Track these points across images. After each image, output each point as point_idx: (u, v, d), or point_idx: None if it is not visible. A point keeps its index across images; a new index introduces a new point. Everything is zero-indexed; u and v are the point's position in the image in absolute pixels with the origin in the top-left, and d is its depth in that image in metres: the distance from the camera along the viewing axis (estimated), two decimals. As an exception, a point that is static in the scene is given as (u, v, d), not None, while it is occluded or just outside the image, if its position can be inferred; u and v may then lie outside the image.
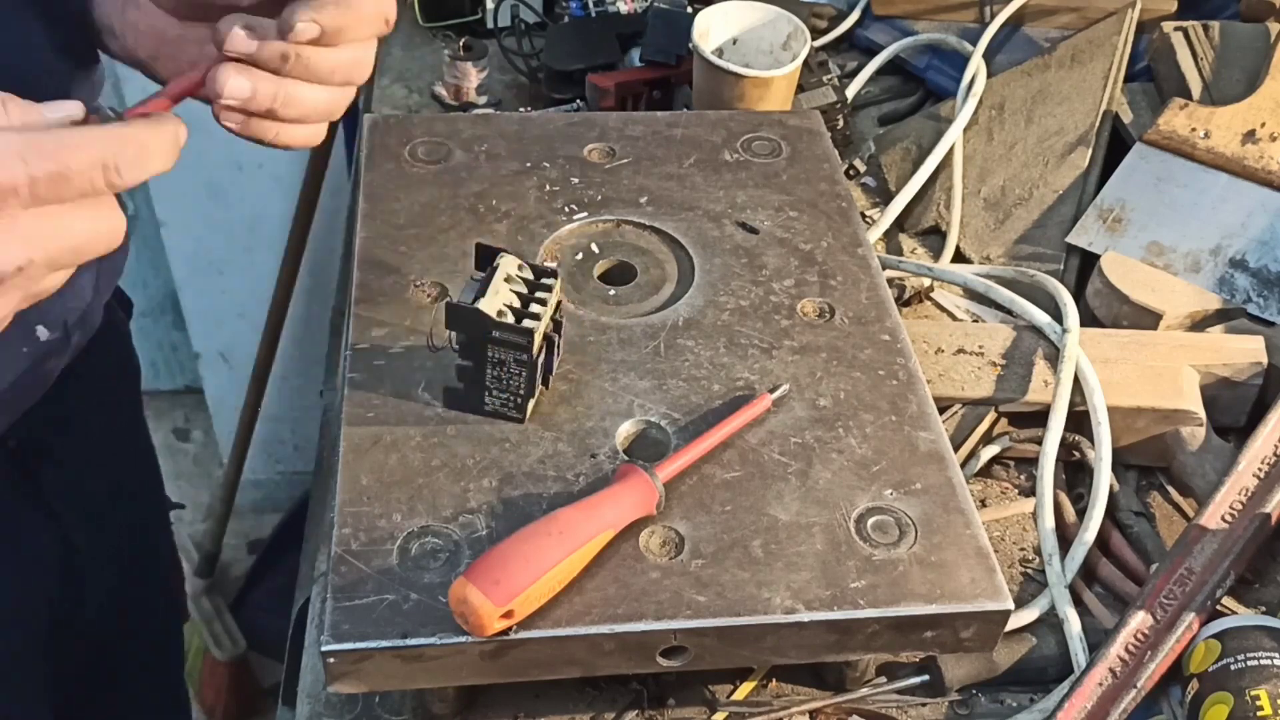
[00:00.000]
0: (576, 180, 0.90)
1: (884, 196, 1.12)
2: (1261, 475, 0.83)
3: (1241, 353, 0.91)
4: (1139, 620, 0.76)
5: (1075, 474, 0.89)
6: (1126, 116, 1.14)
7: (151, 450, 1.14)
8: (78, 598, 0.98)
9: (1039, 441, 0.87)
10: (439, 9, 1.30)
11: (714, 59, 1.05)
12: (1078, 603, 0.80)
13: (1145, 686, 0.74)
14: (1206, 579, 0.78)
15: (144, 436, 1.13)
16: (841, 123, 1.16)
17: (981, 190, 1.10)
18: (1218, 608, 0.78)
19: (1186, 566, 0.78)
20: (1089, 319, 0.97)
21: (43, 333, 0.81)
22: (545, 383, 0.73)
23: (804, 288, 0.83)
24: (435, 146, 0.91)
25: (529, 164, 0.91)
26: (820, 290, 0.83)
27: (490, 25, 1.29)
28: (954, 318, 1.00)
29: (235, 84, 0.61)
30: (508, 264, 0.71)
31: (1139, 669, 0.74)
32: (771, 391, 0.75)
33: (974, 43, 1.20)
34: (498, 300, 0.70)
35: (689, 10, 1.17)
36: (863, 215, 1.08)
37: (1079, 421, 0.88)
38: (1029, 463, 0.89)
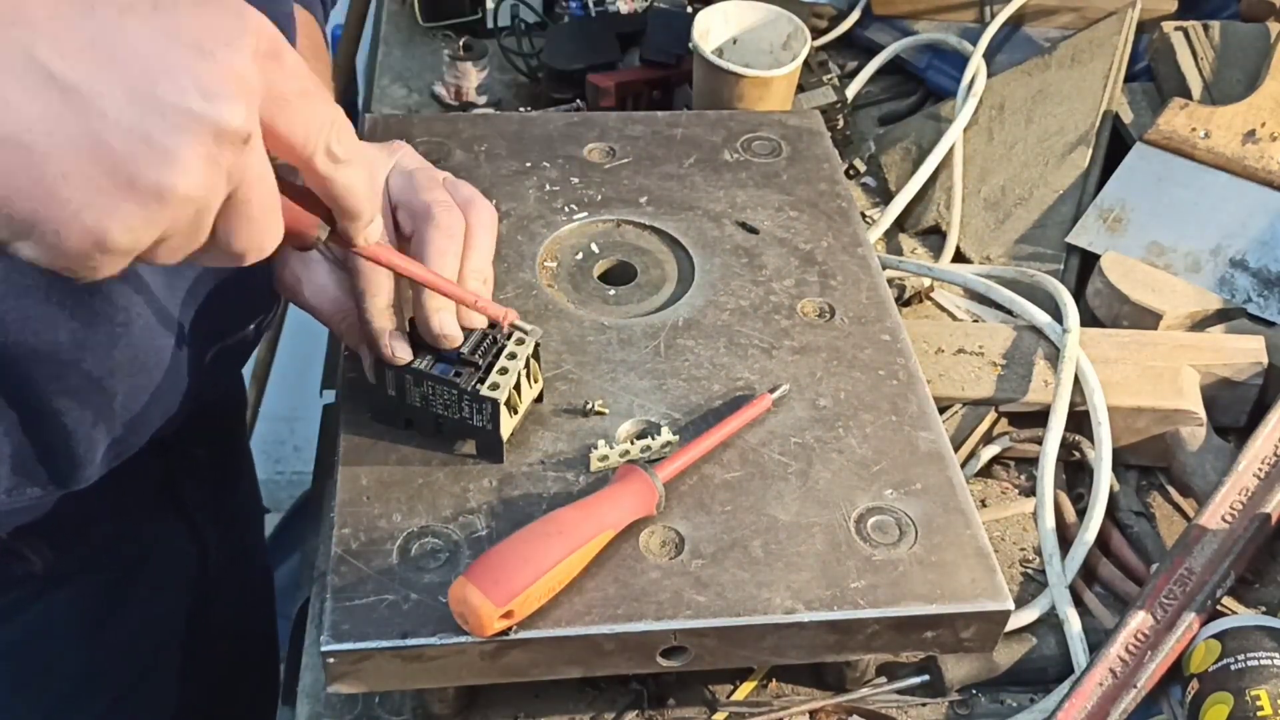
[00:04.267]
0: (576, 180, 0.90)
1: (884, 196, 1.12)
2: (1261, 475, 0.83)
3: (1241, 353, 0.91)
4: (1139, 620, 0.76)
5: (1075, 474, 0.89)
6: (1126, 116, 1.14)
7: (250, 454, 1.13)
8: (208, 610, 0.98)
9: (1039, 441, 0.87)
10: (439, 9, 1.30)
11: (714, 59, 1.05)
12: (1078, 603, 0.80)
13: (1145, 686, 0.74)
14: (1206, 579, 0.78)
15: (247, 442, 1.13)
16: (841, 123, 1.16)
17: (981, 190, 1.10)
18: (1218, 608, 0.78)
19: (1186, 566, 0.78)
20: (1089, 319, 0.97)
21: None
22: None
23: (804, 288, 0.83)
24: (435, 146, 0.91)
25: (529, 164, 0.91)
26: (820, 290, 0.83)
27: (490, 25, 1.29)
28: (954, 318, 1.00)
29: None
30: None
31: (1139, 669, 0.74)
32: (771, 391, 0.75)
33: (974, 43, 1.20)
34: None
35: (689, 10, 1.17)
36: (863, 215, 1.08)
37: (1079, 421, 0.88)
38: (1029, 463, 0.89)
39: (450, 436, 0.71)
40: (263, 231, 0.52)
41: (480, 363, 0.69)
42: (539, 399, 0.74)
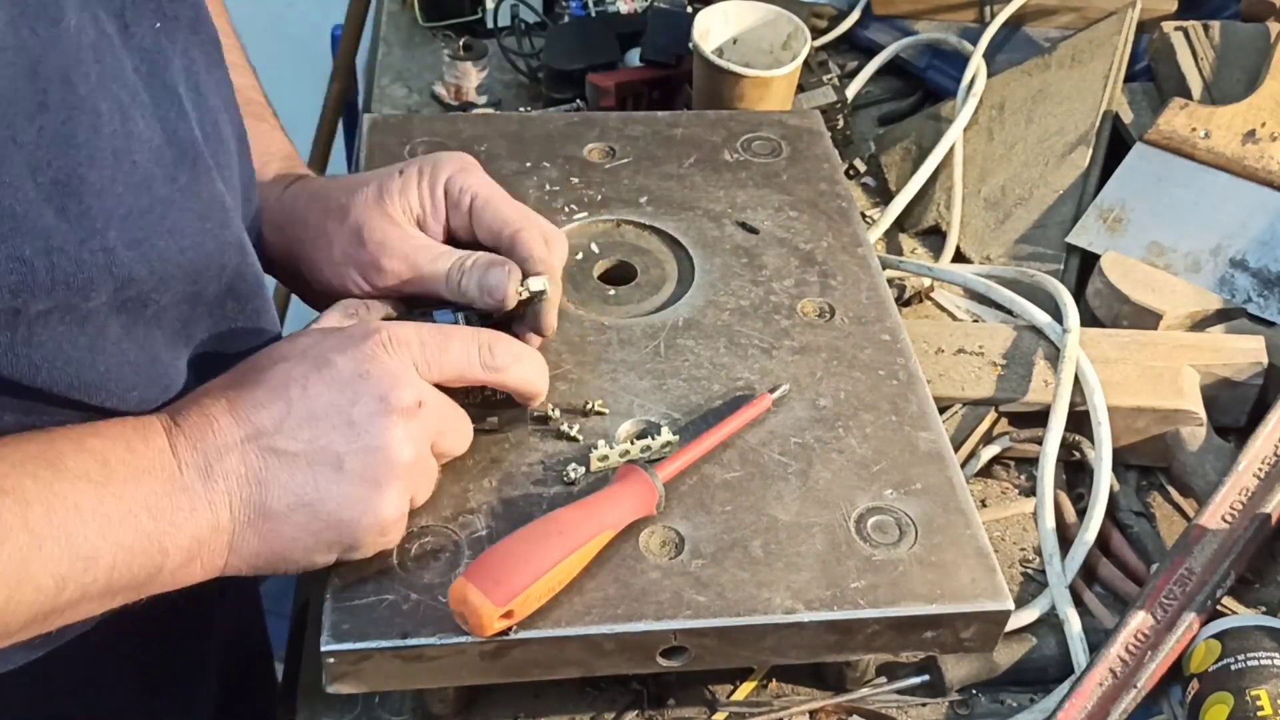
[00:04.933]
0: (576, 180, 0.90)
1: (884, 196, 1.12)
2: (1261, 475, 0.83)
3: (1241, 353, 0.91)
4: (1139, 620, 0.76)
5: (1075, 474, 0.89)
6: (1126, 116, 1.13)
7: None
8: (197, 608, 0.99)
9: (1039, 441, 0.87)
10: (439, 9, 1.30)
11: (714, 59, 1.05)
12: (1078, 603, 0.80)
13: (1145, 686, 0.74)
14: (1206, 579, 0.78)
15: None
16: (841, 123, 1.16)
17: (981, 190, 1.10)
18: (1218, 608, 0.78)
19: (1186, 566, 0.78)
20: (1089, 319, 0.97)
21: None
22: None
23: (804, 288, 0.83)
24: (435, 146, 0.91)
25: (529, 164, 0.91)
26: (820, 290, 0.83)
27: (490, 25, 1.29)
28: (954, 318, 1.00)
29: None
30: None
31: (1139, 669, 0.74)
32: (771, 391, 0.75)
33: (974, 43, 1.20)
34: None
35: (689, 10, 1.17)
36: (863, 215, 1.08)
37: (1079, 421, 0.88)
38: (1029, 463, 0.89)
39: (474, 420, 0.71)
40: (462, 439, 0.68)
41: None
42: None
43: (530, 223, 0.75)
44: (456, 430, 0.68)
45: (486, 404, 0.72)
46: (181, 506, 0.60)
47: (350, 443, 0.62)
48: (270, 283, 0.75)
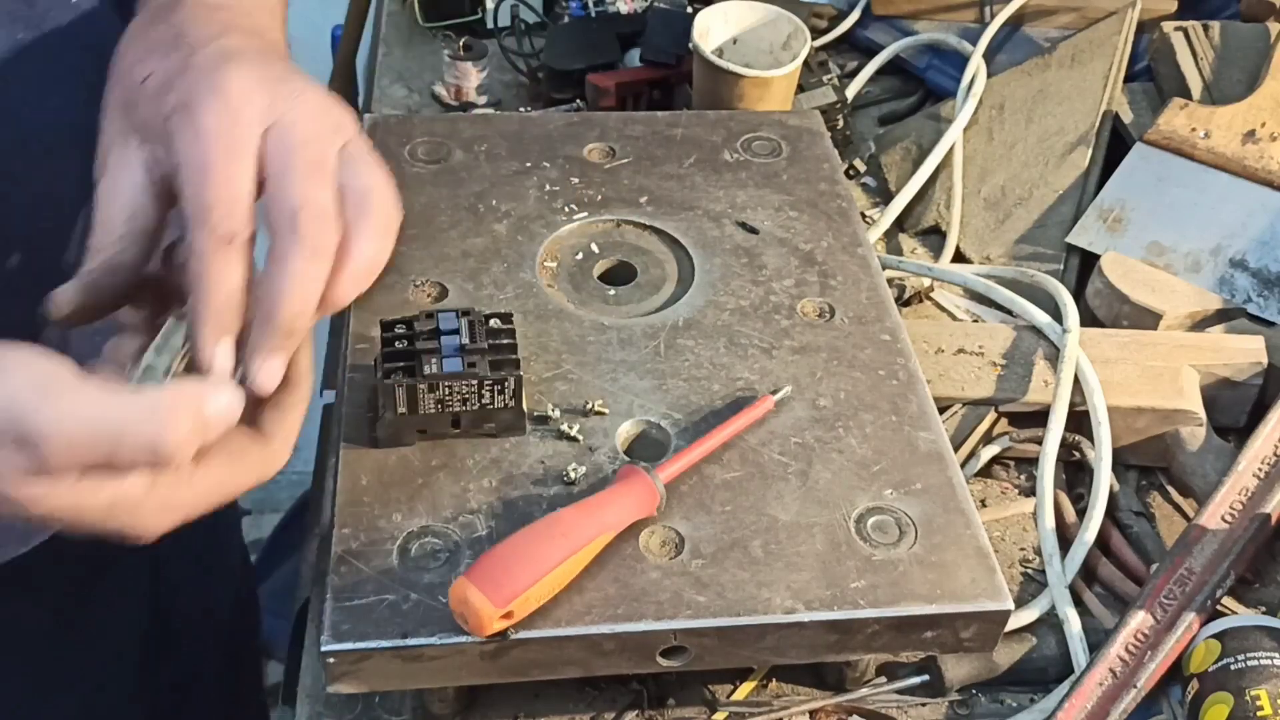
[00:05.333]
0: (576, 180, 0.90)
1: (884, 196, 1.12)
2: (1261, 475, 0.83)
3: (1241, 353, 0.91)
4: (1139, 620, 0.76)
5: (1075, 474, 0.89)
6: (1126, 116, 1.13)
7: None
8: (167, 607, 0.98)
9: (1039, 441, 0.87)
10: (439, 9, 1.30)
11: (714, 59, 1.05)
12: (1078, 603, 0.80)
13: (1145, 686, 0.74)
14: (1206, 579, 0.78)
15: None
16: (841, 123, 1.16)
17: (981, 190, 1.10)
18: (1218, 608, 0.78)
19: (1186, 566, 0.78)
20: (1089, 319, 0.97)
21: None
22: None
23: (804, 288, 0.83)
24: (435, 146, 0.91)
25: (529, 164, 0.91)
26: (820, 290, 0.83)
27: (490, 25, 1.28)
28: (954, 318, 1.00)
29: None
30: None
31: (1139, 669, 0.74)
32: (774, 393, 0.75)
33: (974, 43, 1.20)
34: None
35: (689, 10, 1.16)
36: (863, 215, 1.08)
37: (1079, 421, 0.88)
38: (1029, 463, 0.89)
39: (469, 428, 0.71)
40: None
41: (485, 345, 0.70)
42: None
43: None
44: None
45: (482, 413, 0.71)
46: None
47: None
48: None
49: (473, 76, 1.20)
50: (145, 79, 0.56)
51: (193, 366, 0.54)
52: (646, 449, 0.73)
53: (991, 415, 0.89)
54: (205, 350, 0.52)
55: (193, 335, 0.53)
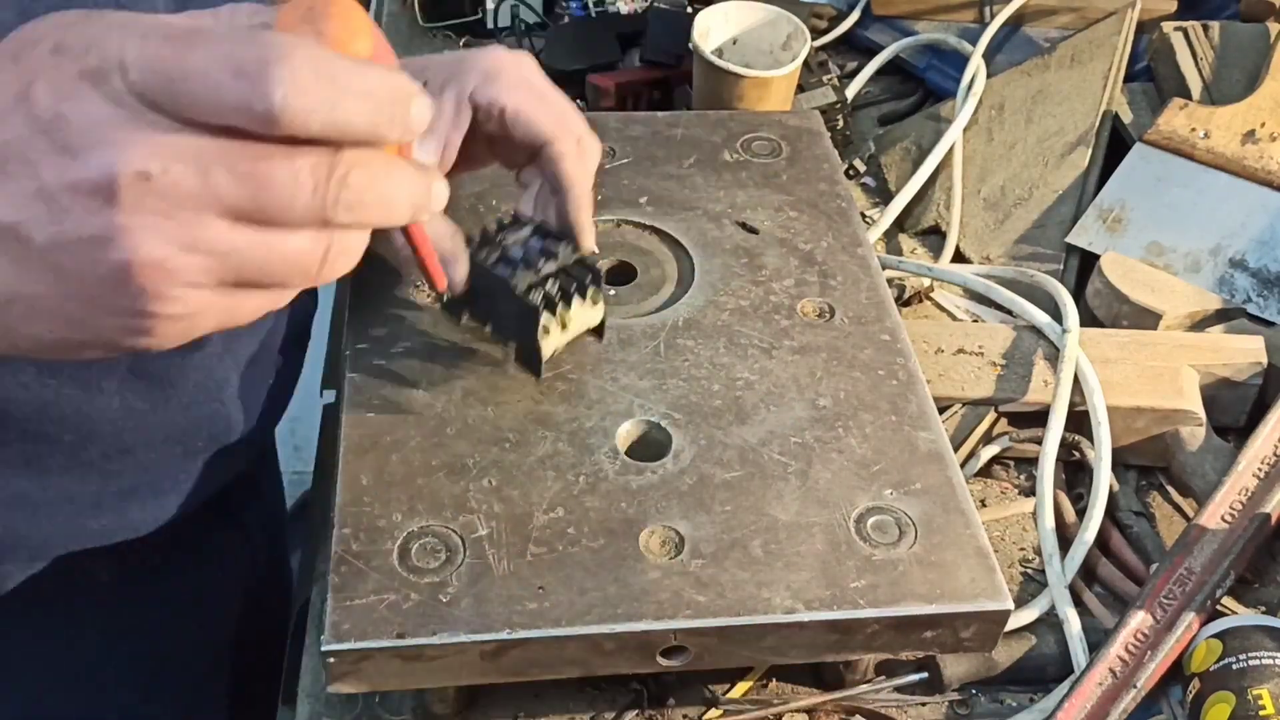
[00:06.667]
0: (576, 180, 0.90)
1: (884, 196, 1.12)
2: (1261, 475, 0.83)
3: (1241, 353, 0.91)
4: (1139, 620, 0.76)
5: (1075, 474, 0.89)
6: (1126, 116, 1.14)
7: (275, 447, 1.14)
8: (257, 613, 1.00)
9: (1039, 441, 0.87)
10: (439, 9, 1.30)
11: (714, 59, 1.05)
12: (1078, 603, 0.80)
13: (1145, 686, 0.74)
14: (1206, 579, 0.78)
15: None
16: (841, 123, 1.16)
17: (981, 190, 1.10)
18: (1217, 608, 0.78)
19: (1186, 566, 0.78)
20: (1089, 319, 0.97)
21: None
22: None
23: (804, 288, 0.83)
24: (435, 146, 0.91)
25: (529, 164, 0.91)
26: (820, 290, 0.83)
27: (490, 25, 1.28)
28: (954, 318, 1.00)
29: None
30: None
31: (1139, 669, 0.74)
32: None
33: (974, 43, 1.20)
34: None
35: (689, 10, 1.16)
36: (863, 215, 1.08)
37: (1079, 421, 0.88)
38: (1029, 463, 0.89)
39: (497, 337, 0.72)
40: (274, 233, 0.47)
41: (541, 269, 0.70)
42: (598, 331, 0.75)
43: (564, 132, 0.69)
44: (256, 199, 0.43)
45: (499, 325, 0.71)
46: None
47: (42, 224, 0.42)
48: None
49: (473, 77, 1.20)
50: None
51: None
52: (646, 449, 0.73)
53: (991, 415, 0.89)
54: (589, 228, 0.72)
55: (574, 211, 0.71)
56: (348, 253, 0.46)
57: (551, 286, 0.70)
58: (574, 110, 0.72)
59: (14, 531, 0.71)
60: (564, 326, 0.72)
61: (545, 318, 0.70)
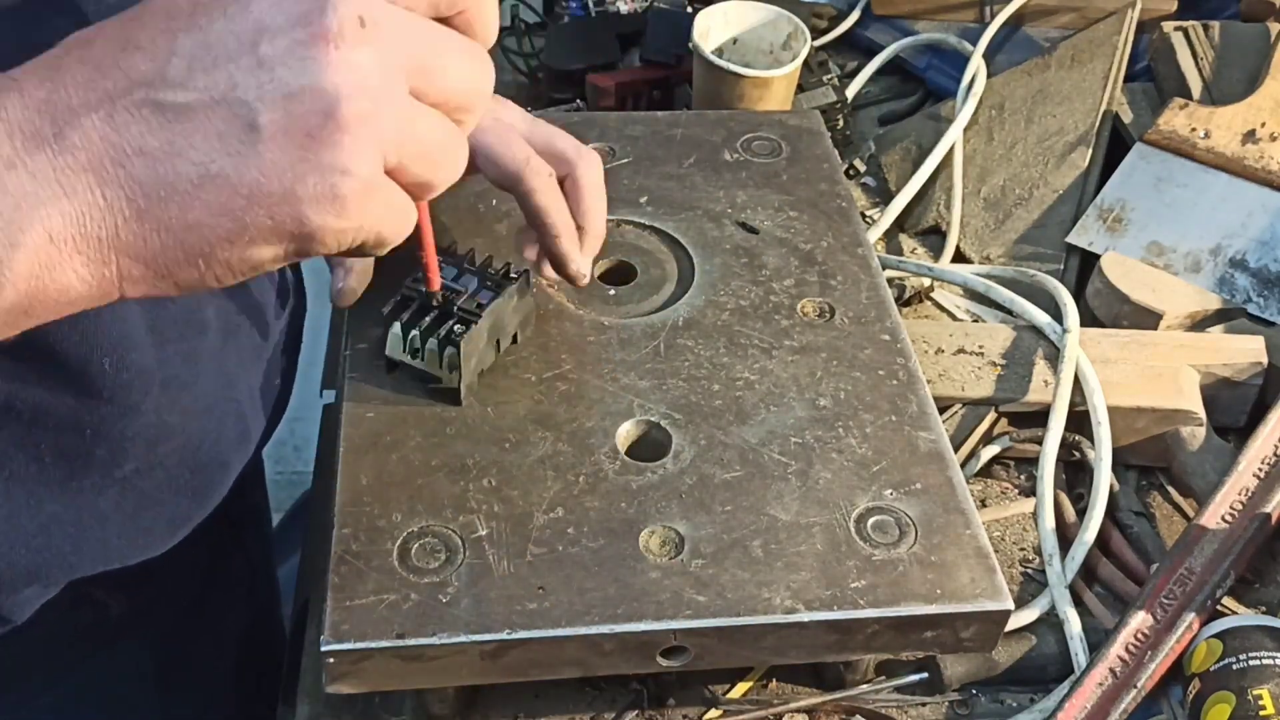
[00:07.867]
0: (576, 180, 0.90)
1: (884, 196, 1.12)
2: (1261, 475, 0.83)
3: (1241, 353, 0.91)
4: (1139, 620, 0.76)
5: (1075, 474, 0.89)
6: (1126, 116, 1.14)
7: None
8: (261, 628, 1.01)
9: (1039, 441, 0.87)
10: (439, 9, 1.29)
11: (714, 59, 1.05)
12: (1078, 603, 0.80)
13: (1145, 686, 0.74)
14: (1206, 579, 0.78)
15: None
16: (841, 123, 1.16)
17: (981, 190, 1.10)
18: (1218, 608, 0.78)
19: (1186, 566, 0.78)
20: (1089, 319, 0.97)
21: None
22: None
23: (804, 288, 0.83)
24: (435, 146, 0.91)
25: (529, 164, 0.90)
26: (820, 290, 0.83)
27: (490, 25, 1.28)
28: (954, 318, 1.00)
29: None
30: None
31: (1139, 669, 0.74)
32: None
33: (974, 43, 1.20)
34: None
35: (689, 10, 1.16)
36: (863, 215, 1.08)
37: (1079, 421, 0.88)
38: (1029, 463, 0.89)
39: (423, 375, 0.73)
40: (459, 77, 0.51)
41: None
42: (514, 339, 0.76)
43: (529, 171, 0.72)
44: (442, 62, 0.48)
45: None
46: (9, 190, 0.44)
47: (262, 87, 0.45)
48: None
49: (473, 76, 1.19)
50: None
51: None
52: (646, 449, 0.73)
53: (991, 415, 0.89)
54: (572, 256, 0.76)
55: (551, 242, 0.75)
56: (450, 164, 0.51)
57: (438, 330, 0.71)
58: (557, 136, 0.76)
59: (48, 556, 0.70)
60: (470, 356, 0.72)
61: (449, 355, 0.71)
